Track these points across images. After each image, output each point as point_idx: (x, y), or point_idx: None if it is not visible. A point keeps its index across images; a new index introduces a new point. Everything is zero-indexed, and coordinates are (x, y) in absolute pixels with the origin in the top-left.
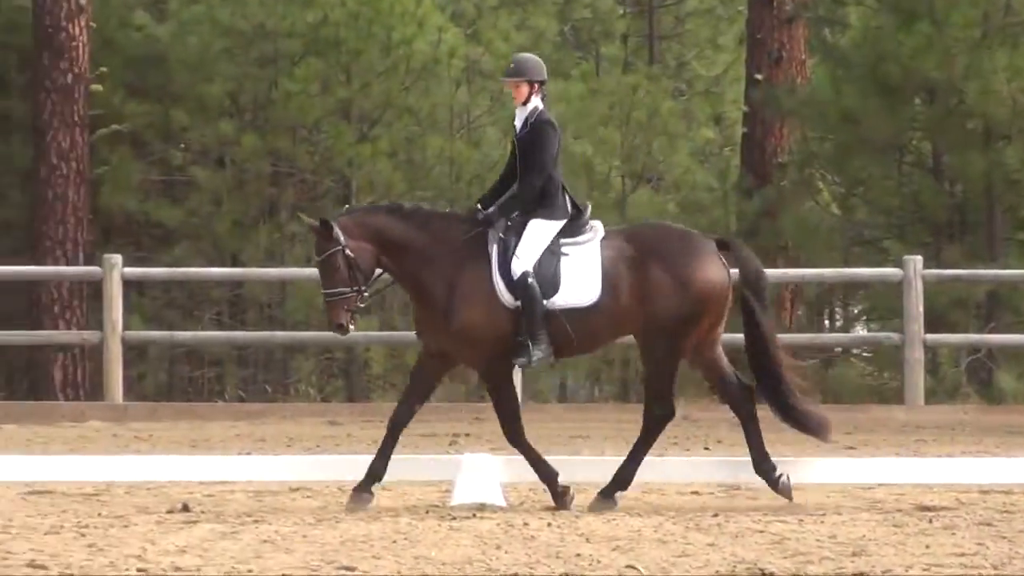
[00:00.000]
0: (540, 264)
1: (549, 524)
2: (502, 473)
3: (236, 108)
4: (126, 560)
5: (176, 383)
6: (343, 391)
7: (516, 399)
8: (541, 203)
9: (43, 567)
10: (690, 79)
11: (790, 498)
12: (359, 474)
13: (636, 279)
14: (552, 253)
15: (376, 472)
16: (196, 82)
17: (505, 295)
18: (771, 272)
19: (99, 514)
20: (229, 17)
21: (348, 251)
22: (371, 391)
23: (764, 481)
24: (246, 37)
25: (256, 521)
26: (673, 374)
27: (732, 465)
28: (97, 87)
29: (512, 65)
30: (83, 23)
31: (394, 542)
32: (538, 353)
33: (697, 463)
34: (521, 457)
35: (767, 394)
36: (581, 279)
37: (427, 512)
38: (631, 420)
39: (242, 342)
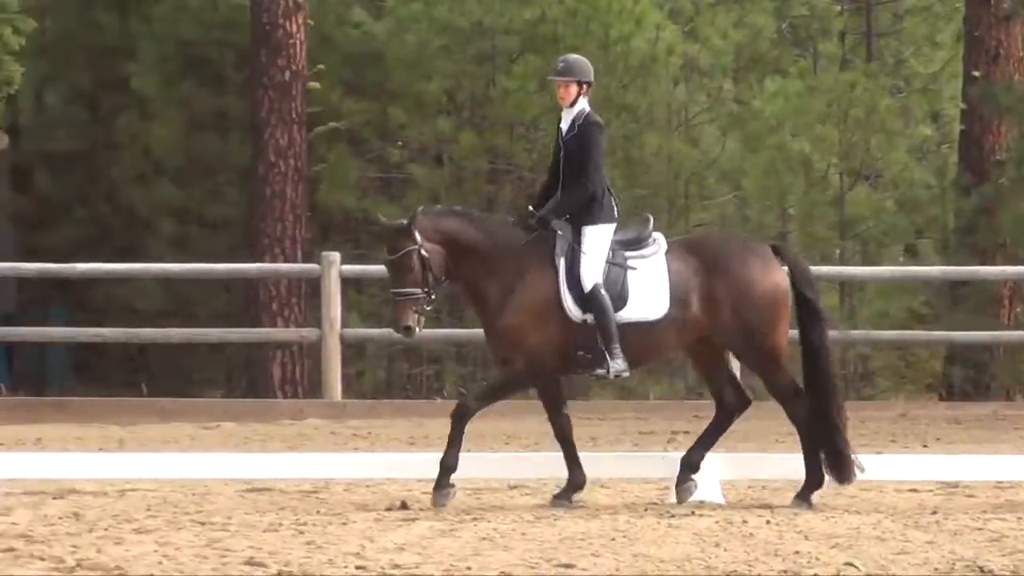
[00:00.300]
0: (607, 277)
1: (768, 522)
2: (721, 470)
3: (454, 105)
4: (344, 558)
5: (395, 380)
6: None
7: (560, 395)
8: (590, 207)
9: (262, 564)
10: (908, 76)
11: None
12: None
13: (703, 292)
14: (619, 267)
15: (577, 482)
16: (414, 79)
17: (573, 309)
18: (989, 270)
19: (318, 511)
20: (447, 14)
21: (424, 251)
22: (589, 388)
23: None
24: (464, 34)
25: (475, 519)
26: (781, 371)
27: (950, 463)
28: (314, 84)
29: (562, 64)
30: (300, 20)
31: (612, 540)
32: (617, 366)
33: (915, 461)
34: (741, 455)
35: (811, 397)
36: (649, 293)
37: (646, 510)
38: (854, 417)
39: (460, 339)
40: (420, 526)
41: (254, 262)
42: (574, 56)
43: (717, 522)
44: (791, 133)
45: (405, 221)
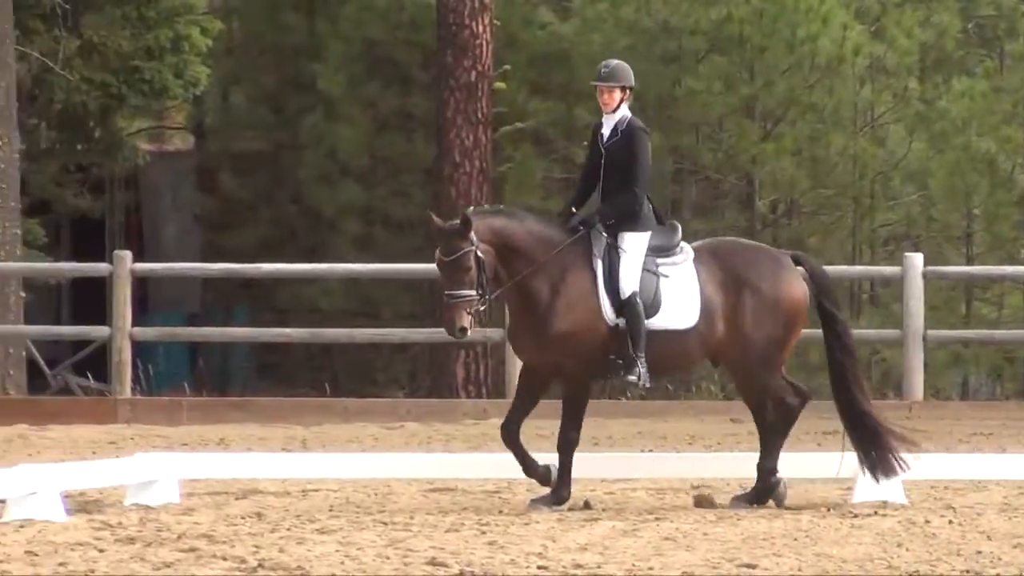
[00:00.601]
0: (641, 283)
1: (950, 522)
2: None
3: (639, 105)
4: (527, 557)
5: None
6: None
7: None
8: (634, 213)
9: (443, 564)
10: None
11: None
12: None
13: (731, 304)
14: (651, 273)
15: (562, 496)
16: None
17: (608, 312)
18: None
19: (500, 511)
20: (633, 14)
21: (480, 252)
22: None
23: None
24: (650, 34)
25: (657, 519)
26: (771, 387)
27: None
28: (500, 85)
29: (605, 70)
30: (486, 21)
31: (795, 539)
32: (643, 371)
33: None
34: (924, 454)
35: (846, 404)
36: (681, 302)
37: (828, 510)
38: None
39: None
40: (602, 526)
41: None
42: (616, 61)
43: (899, 522)
44: (977, 133)
45: (459, 222)
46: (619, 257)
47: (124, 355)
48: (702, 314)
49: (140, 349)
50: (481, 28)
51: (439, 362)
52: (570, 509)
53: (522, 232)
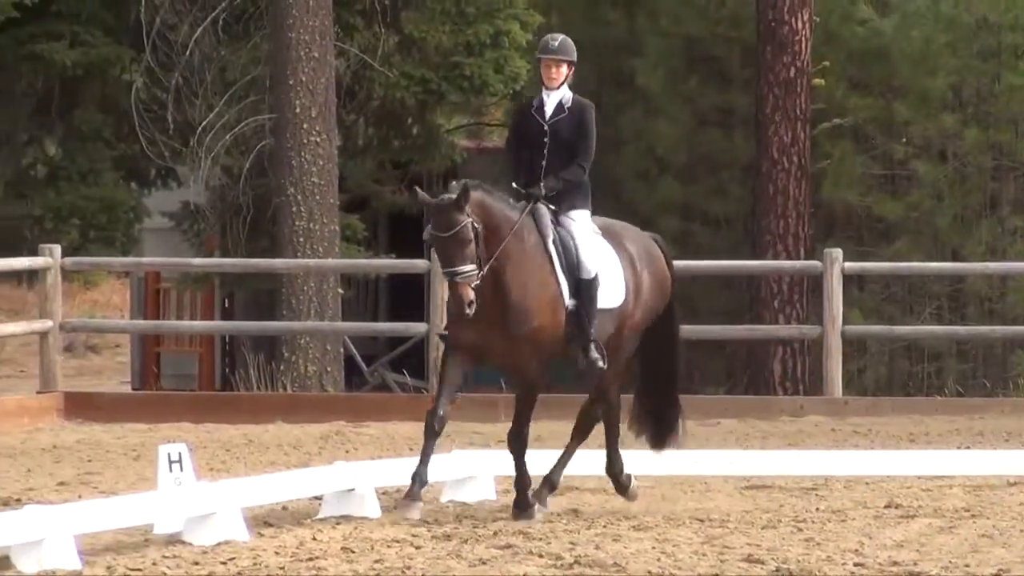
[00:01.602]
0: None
1: None
2: None
3: (958, 102)
4: (843, 555)
5: (896, 377)
6: None
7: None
8: (581, 190)
9: (759, 561)
10: None
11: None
12: None
13: (637, 282)
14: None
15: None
16: (919, 76)
17: (567, 297)
18: None
19: (817, 508)
20: (952, 10)
21: (476, 224)
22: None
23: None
24: (969, 30)
25: (973, 516)
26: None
27: None
28: (819, 81)
29: (554, 43)
30: (806, 17)
31: None
32: (601, 351)
33: None
34: None
35: (646, 384)
36: (611, 281)
37: None
38: None
39: (962, 337)
40: (918, 523)
41: (756, 259)
42: (562, 36)
43: None
44: None
45: (457, 195)
46: (572, 237)
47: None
48: (626, 293)
49: None
50: (800, 24)
51: (757, 359)
52: (886, 506)
53: (496, 208)
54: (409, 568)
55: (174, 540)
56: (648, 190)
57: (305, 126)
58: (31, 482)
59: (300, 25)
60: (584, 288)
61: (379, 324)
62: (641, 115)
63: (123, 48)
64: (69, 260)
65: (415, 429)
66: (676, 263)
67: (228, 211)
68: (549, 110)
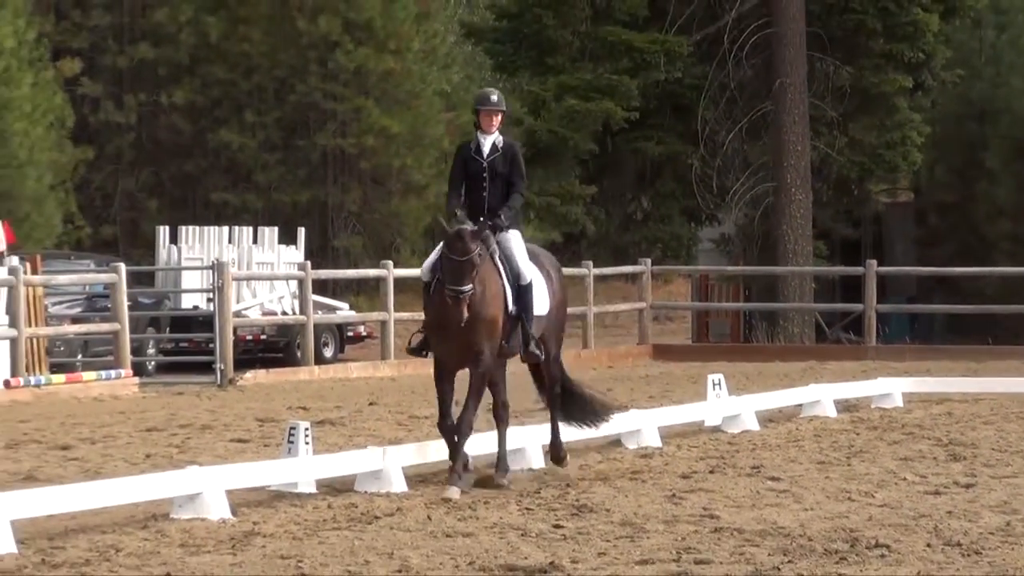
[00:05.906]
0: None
1: None
2: None
3: None
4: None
5: None
6: None
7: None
8: (520, 214)
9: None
10: None
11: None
12: None
13: (552, 291)
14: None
15: (463, 464)
16: None
17: (510, 302)
18: None
19: None
20: None
21: (480, 252)
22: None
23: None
24: None
25: None
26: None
27: None
28: None
29: (495, 98)
30: None
31: None
32: (539, 348)
33: None
34: None
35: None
36: (539, 291)
37: None
38: None
39: None
40: None
41: None
42: (498, 91)
43: None
44: None
45: (478, 228)
46: (512, 252)
47: (870, 321)
48: (550, 300)
49: (880, 317)
50: None
51: None
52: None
53: (483, 237)
54: (852, 445)
55: (717, 430)
56: None
57: (792, 190)
58: (633, 396)
59: (790, 131)
60: (523, 292)
61: (829, 305)
62: None
63: (687, 144)
64: (656, 267)
65: (856, 366)
66: None
67: (747, 240)
68: (486, 150)
